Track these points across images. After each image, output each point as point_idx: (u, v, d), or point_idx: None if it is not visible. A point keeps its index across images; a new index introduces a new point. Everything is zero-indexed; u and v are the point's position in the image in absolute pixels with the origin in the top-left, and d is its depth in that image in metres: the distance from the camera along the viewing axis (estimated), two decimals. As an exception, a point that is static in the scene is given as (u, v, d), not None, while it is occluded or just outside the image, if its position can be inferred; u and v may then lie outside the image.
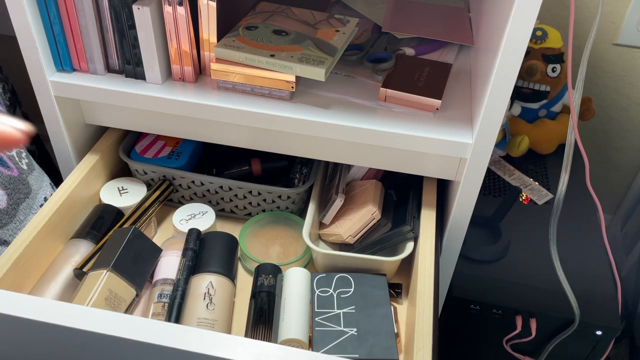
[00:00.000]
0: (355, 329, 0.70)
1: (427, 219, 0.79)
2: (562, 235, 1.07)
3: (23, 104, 1.07)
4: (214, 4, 0.73)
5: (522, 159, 1.23)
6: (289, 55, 0.73)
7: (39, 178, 0.88)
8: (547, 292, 0.98)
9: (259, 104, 0.76)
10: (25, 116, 1.04)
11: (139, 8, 0.72)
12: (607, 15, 1.23)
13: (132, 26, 0.74)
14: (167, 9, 0.73)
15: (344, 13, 0.96)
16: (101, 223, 0.80)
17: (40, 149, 1.08)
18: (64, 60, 0.79)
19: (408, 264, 0.82)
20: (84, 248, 0.76)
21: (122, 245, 0.71)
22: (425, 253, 0.74)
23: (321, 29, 0.80)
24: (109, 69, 0.80)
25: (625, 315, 1.25)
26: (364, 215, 0.80)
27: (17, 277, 0.70)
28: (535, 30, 1.18)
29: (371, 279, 0.76)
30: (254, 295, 0.73)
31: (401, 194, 0.87)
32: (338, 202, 0.82)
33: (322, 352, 0.67)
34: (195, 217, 0.83)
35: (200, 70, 0.81)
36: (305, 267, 0.82)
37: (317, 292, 0.75)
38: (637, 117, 1.36)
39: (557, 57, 1.17)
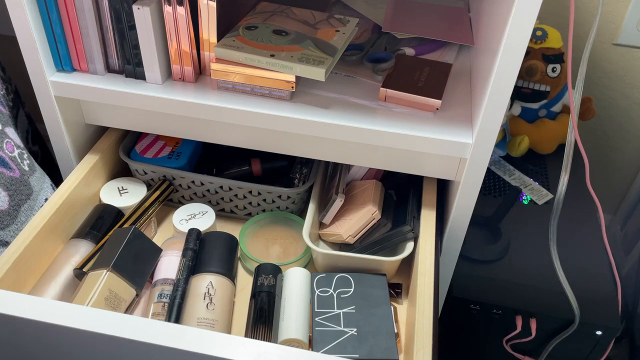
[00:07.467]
0: (355, 329, 0.70)
1: (427, 219, 0.79)
2: (562, 235, 1.07)
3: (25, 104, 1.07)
4: (214, 4, 0.73)
5: (522, 159, 1.23)
6: (289, 55, 0.73)
7: (40, 179, 0.88)
8: (547, 292, 0.98)
9: (259, 104, 0.76)
10: (28, 117, 1.04)
11: (139, 8, 0.72)
12: (607, 15, 1.23)
13: (132, 26, 0.74)
14: (167, 9, 0.73)
15: (344, 13, 0.96)
16: (101, 223, 0.80)
17: (43, 149, 1.08)
18: (64, 61, 0.79)
19: (408, 264, 0.82)
20: (84, 248, 0.76)
21: (122, 245, 0.71)
22: (425, 253, 0.74)
23: (321, 29, 0.80)
24: (109, 69, 0.80)
25: (625, 315, 1.25)
26: (364, 215, 0.80)
27: (17, 277, 0.70)
28: (535, 30, 1.18)
29: (371, 279, 0.76)
30: (254, 295, 0.73)
31: (401, 194, 0.87)
32: (338, 202, 0.82)
33: (322, 352, 0.67)
34: (195, 217, 0.83)
35: (200, 70, 0.81)
36: (305, 267, 0.82)
37: (317, 292, 0.75)
38: (637, 117, 1.36)
39: (557, 57, 1.17)
